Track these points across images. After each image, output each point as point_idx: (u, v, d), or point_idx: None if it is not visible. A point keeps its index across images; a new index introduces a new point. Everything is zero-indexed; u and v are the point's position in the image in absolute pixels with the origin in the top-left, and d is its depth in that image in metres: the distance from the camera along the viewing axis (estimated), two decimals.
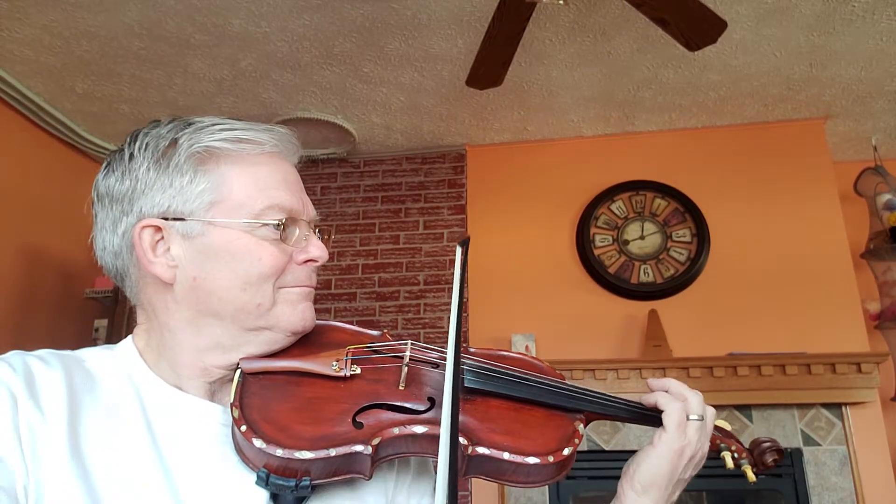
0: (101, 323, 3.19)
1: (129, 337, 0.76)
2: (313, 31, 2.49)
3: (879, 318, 3.05)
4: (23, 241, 2.89)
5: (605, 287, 3.11)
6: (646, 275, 3.08)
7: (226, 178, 0.71)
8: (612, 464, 2.73)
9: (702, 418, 0.76)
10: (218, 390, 0.74)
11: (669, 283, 3.04)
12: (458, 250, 0.70)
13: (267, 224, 0.71)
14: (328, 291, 3.30)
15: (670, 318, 2.97)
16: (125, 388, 0.70)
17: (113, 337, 3.13)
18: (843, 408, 2.78)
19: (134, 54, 2.59)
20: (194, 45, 2.55)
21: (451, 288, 3.16)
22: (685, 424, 0.75)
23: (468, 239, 0.76)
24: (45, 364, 0.67)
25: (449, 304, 3.17)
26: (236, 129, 0.72)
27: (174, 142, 0.71)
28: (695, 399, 0.77)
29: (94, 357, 0.73)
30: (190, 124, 0.72)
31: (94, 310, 3.26)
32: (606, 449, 2.81)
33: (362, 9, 2.36)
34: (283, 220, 0.71)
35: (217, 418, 0.71)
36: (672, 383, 0.79)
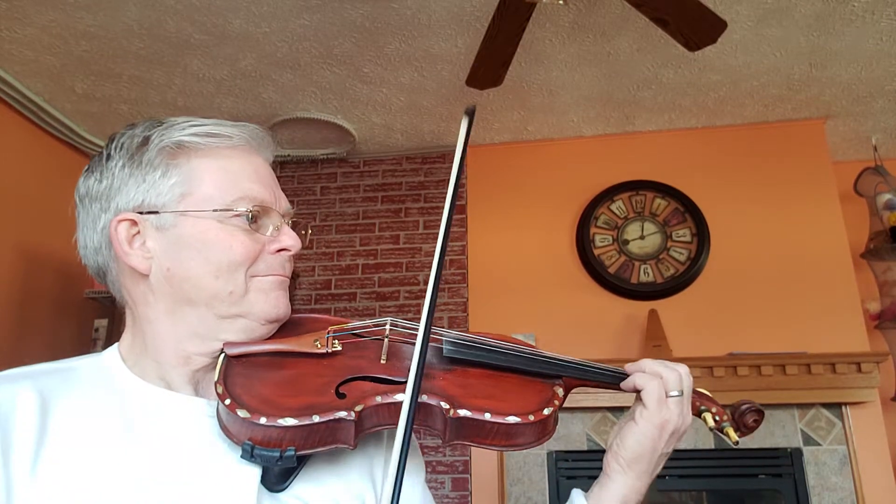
0: (101, 323, 3.19)
1: (116, 344, 0.78)
2: (313, 31, 2.49)
3: (879, 318, 3.05)
4: (23, 241, 2.89)
5: (605, 287, 3.11)
6: (646, 275, 3.08)
7: (196, 171, 0.73)
8: None
9: (681, 394, 0.77)
10: (202, 379, 0.75)
11: (669, 283, 3.04)
12: (464, 121, 0.68)
13: (238, 214, 0.72)
14: (328, 291, 3.30)
15: (670, 318, 2.97)
16: (104, 391, 0.71)
17: (113, 337, 3.13)
18: (843, 408, 2.78)
19: (134, 54, 2.59)
20: (194, 45, 2.55)
21: (450, 287, 3.17)
22: (665, 401, 0.76)
23: (474, 108, 0.75)
24: (13, 385, 0.67)
25: (449, 303, 3.19)
26: (206, 125, 0.74)
27: (146, 139, 0.73)
28: (671, 375, 0.78)
29: (76, 363, 0.74)
30: (162, 123, 0.75)
31: (94, 310, 3.25)
32: (606, 448, 2.81)
33: (362, 9, 2.36)
34: (253, 210, 0.73)
35: (202, 410, 0.72)
36: (647, 363, 0.80)
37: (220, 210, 0.72)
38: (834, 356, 2.74)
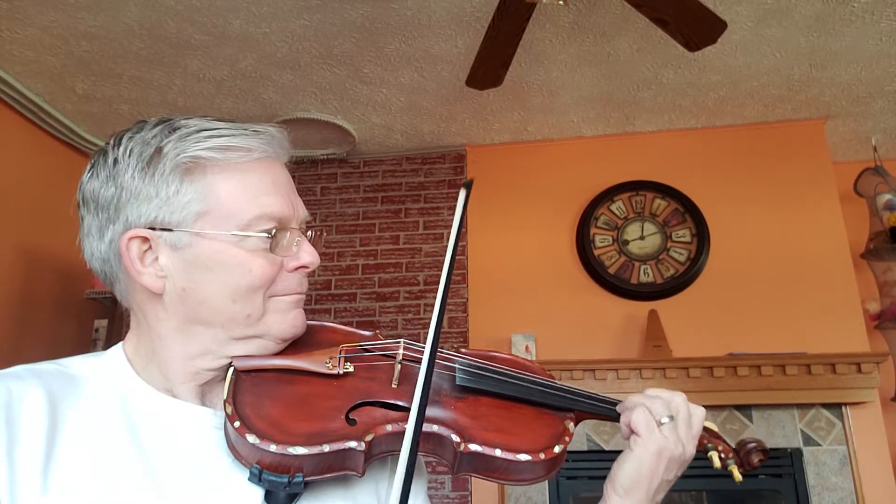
0: (101, 323, 3.19)
1: (120, 343, 0.76)
2: (313, 32, 2.49)
3: (879, 318, 3.05)
4: (23, 241, 2.89)
5: (605, 287, 3.11)
6: (646, 275, 3.08)
7: (213, 188, 0.69)
8: (612, 464, 2.73)
9: (672, 419, 0.76)
10: (208, 391, 0.74)
11: (669, 283, 3.04)
12: (462, 192, 0.68)
13: (257, 235, 0.70)
14: (328, 292, 3.30)
15: (670, 318, 2.97)
16: (110, 395, 0.70)
17: (113, 337, 3.13)
18: (843, 408, 2.78)
19: (134, 54, 2.59)
20: (194, 45, 2.55)
21: (450, 287, 3.16)
22: (655, 427, 0.75)
23: (472, 182, 0.75)
24: (23, 383, 0.65)
25: (449, 303, 3.19)
26: (223, 136, 0.70)
27: (159, 150, 0.69)
28: (654, 402, 0.77)
29: (80, 364, 0.72)
30: (175, 129, 0.70)
31: (94, 310, 3.26)
32: (606, 449, 2.81)
33: (362, 9, 2.36)
34: (273, 230, 0.71)
35: (208, 421, 0.71)
36: (630, 398, 0.79)
37: (238, 233, 0.69)
38: (834, 356, 2.74)
